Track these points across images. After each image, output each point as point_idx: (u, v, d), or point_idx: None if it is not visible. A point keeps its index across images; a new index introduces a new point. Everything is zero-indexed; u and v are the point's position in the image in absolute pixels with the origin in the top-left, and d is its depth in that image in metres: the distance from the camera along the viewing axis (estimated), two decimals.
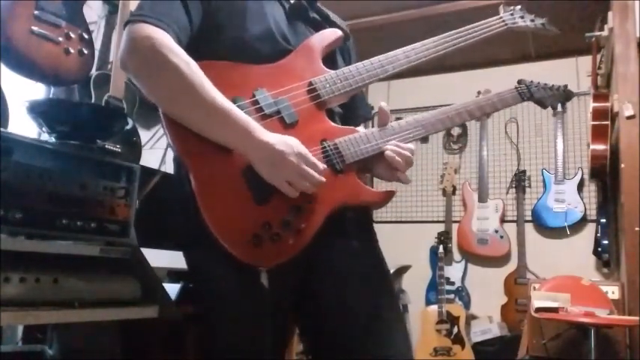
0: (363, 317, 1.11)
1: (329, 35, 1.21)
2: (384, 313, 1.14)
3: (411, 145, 1.15)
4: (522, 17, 1.33)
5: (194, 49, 1.06)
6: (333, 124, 1.15)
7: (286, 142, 1.00)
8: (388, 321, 1.14)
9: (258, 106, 1.06)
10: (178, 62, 0.98)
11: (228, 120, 0.99)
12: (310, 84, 1.12)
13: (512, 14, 1.32)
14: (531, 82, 1.32)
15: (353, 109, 1.28)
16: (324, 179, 1.02)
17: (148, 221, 1.48)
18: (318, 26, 1.25)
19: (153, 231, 1.58)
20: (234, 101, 1.03)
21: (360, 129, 1.30)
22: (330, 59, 1.22)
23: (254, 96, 1.06)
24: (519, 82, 1.32)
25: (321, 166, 1.03)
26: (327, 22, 1.27)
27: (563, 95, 1.36)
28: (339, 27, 1.27)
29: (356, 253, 1.16)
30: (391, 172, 1.16)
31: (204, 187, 0.99)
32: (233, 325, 1.07)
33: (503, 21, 1.30)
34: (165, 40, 1.00)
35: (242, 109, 1.02)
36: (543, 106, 1.34)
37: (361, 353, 1.09)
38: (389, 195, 1.14)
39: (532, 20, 1.34)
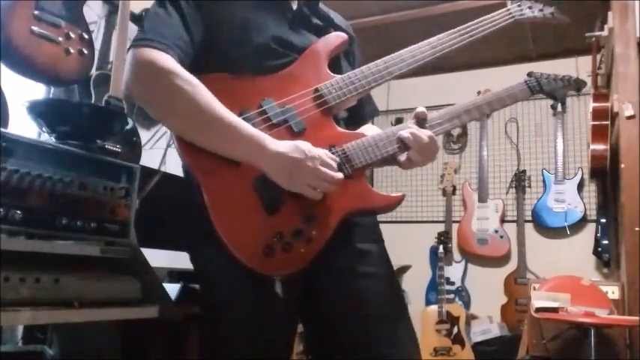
0: (368, 317, 1.11)
1: (333, 40, 1.20)
2: (389, 313, 1.14)
3: (431, 133, 1.14)
4: (530, 7, 1.28)
5: (197, 64, 1.07)
6: (340, 129, 1.14)
7: (299, 148, 1.00)
8: (394, 321, 1.14)
9: (265, 116, 1.06)
10: (182, 84, 0.99)
11: (240, 136, 1.00)
12: (316, 90, 1.12)
13: (519, 5, 1.28)
14: (541, 74, 1.29)
15: (360, 108, 1.27)
16: (342, 175, 1.03)
17: (148, 221, 1.48)
18: (321, 31, 1.24)
19: (153, 231, 1.58)
20: (242, 113, 1.03)
21: (369, 126, 1.29)
22: (335, 63, 1.22)
23: (261, 106, 1.06)
24: (529, 74, 1.29)
25: (335, 163, 1.04)
26: (331, 26, 1.27)
27: (575, 86, 1.31)
28: (343, 30, 1.26)
29: (361, 253, 1.16)
30: (409, 161, 1.15)
31: (217, 202, 1.00)
32: (246, 332, 1.06)
33: (510, 13, 1.26)
34: (167, 63, 1.01)
35: (249, 120, 1.03)
36: (554, 98, 1.30)
37: (366, 353, 1.09)
38: (398, 199, 1.13)
39: (540, 10, 1.29)
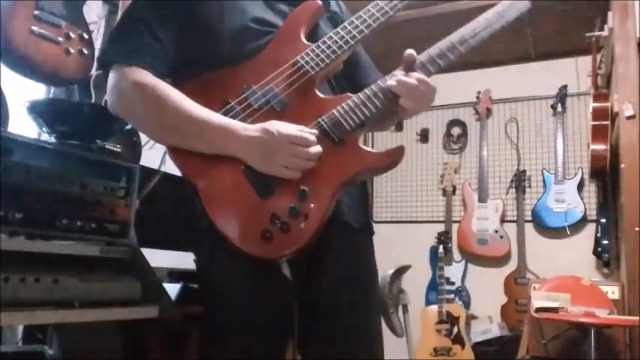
0: (342, 314, 1.12)
1: (304, 9, 1.16)
2: (363, 313, 1.14)
3: (419, 75, 1.08)
4: None
5: (180, 63, 1.09)
6: (324, 96, 1.11)
7: (267, 130, 1.00)
8: (367, 320, 1.15)
9: (246, 103, 1.06)
10: (151, 95, 1.03)
11: (211, 130, 1.01)
12: (294, 64, 1.09)
13: None
14: None
15: (365, 78, 1.24)
16: (319, 148, 1.01)
17: (148, 221, 1.48)
18: (299, 1, 1.18)
19: (153, 231, 1.58)
20: (224, 104, 1.05)
21: None
22: (315, 32, 1.18)
23: (242, 94, 1.07)
24: None
25: (311, 136, 1.01)
26: None
27: None
28: None
29: (345, 250, 1.15)
30: (403, 110, 1.10)
31: (212, 199, 1.01)
32: (249, 324, 1.07)
33: None
34: (140, 78, 1.04)
35: (232, 111, 1.04)
36: None
37: (339, 353, 1.10)
38: (396, 152, 1.06)
39: None
